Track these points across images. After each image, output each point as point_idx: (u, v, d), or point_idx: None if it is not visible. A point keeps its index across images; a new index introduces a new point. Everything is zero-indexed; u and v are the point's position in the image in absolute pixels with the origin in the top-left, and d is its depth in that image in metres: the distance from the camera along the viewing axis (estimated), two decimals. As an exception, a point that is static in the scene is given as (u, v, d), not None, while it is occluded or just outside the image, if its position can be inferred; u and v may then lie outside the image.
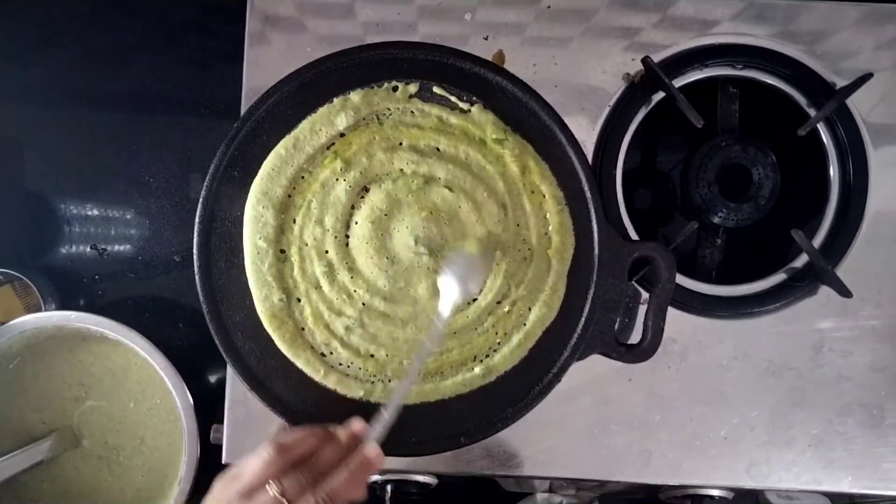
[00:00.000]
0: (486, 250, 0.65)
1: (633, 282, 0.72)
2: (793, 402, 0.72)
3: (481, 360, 0.67)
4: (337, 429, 0.59)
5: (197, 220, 0.66)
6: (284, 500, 0.52)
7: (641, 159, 0.85)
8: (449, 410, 0.66)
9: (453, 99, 0.68)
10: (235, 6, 0.76)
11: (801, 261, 0.74)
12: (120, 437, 0.81)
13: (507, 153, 0.67)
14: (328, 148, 0.67)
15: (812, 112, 0.75)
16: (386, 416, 0.58)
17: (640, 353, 0.68)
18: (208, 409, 0.76)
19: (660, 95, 0.75)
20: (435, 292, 0.66)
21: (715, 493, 0.72)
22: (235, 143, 0.67)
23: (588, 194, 0.67)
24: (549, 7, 0.76)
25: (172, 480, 0.79)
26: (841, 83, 0.74)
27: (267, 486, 0.53)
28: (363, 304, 0.67)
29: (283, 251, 0.67)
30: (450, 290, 0.63)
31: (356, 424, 0.59)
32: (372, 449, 0.57)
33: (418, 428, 0.66)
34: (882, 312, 0.73)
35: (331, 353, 0.66)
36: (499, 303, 0.67)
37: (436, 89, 0.68)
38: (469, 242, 0.66)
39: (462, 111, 0.68)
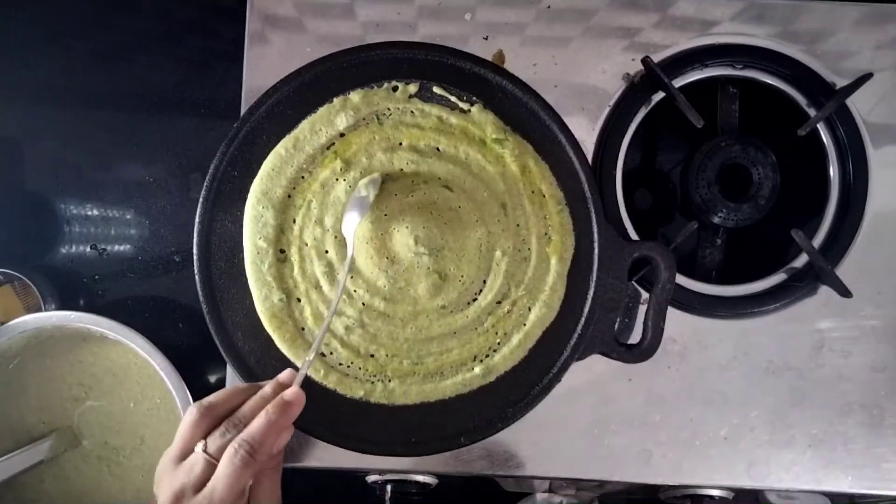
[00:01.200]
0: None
1: (633, 282, 0.72)
2: (793, 402, 0.72)
3: (481, 360, 0.67)
4: (265, 383, 0.58)
5: (197, 220, 0.66)
6: (209, 457, 0.52)
7: (641, 159, 0.85)
8: (449, 410, 0.66)
9: (453, 99, 0.68)
10: (235, 6, 0.76)
11: (801, 261, 0.74)
12: (120, 437, 0.81)
13: (507, 153, 0.67)
14: (328, 148, 0.67)
15: (812, 112, 0.75)
16: (308, 359, 0.58)
17: (640, 353, 0.68)
18: (208, 409, 0.76)
19: (660, 95, 0.75)
20: (435, 292, 0.66)
21: (715, 493, 0.72)
22: (235, 143, 0.67)
23: (588, 194, 0.68)
24: (549, 7, 0.76)
25: (172, 480, 0.79)
26: (841, 83, 0.74)
27: (195, 446, 0.53)
28: (363, 304, 0.67)
29: (283, 251, 0.67)
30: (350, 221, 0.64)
31: (283, 374, 0.59)
32: (291, 391, 0.56)
33: (418, 428, 0.66)
34: (882, 312, 0.73)
35: (331, 353, 0.66)
36: (499, 303, 0.67)
37: (436, 89, 0.68)
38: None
39: (462, 111, 0.68)
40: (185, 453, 0.53)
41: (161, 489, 0.53)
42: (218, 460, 0.52)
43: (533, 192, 0.68)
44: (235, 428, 0.54)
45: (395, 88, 0.68)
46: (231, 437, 0.53)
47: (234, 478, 0.52)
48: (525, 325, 0.67)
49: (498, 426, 0.66)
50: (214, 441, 0.53)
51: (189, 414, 0.55)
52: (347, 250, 0.64)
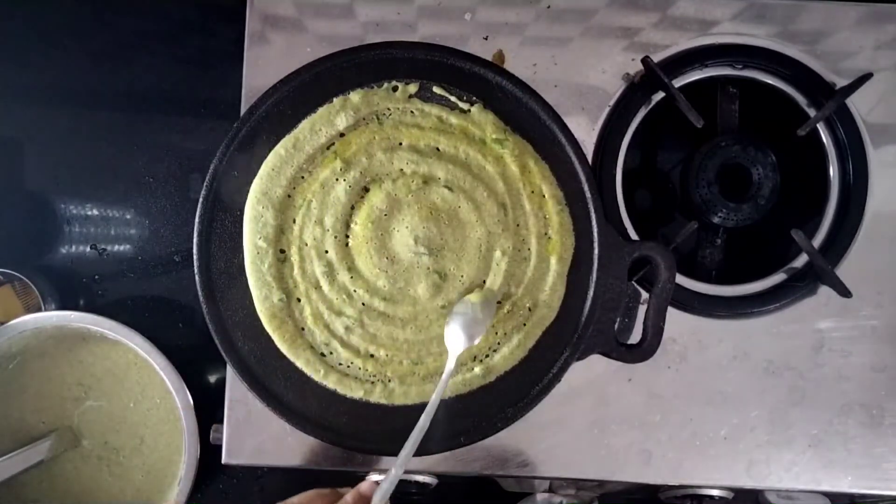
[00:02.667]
0: (487, 301, 0.66)
1: (633, 282, 0.72)
2: (793, 402, 0.72)
3: (481, 360, 0.67)
4: (346, 490, 0.59)
5: (197, 220, 0.66)
6: None
7: (641, 159, 0.85)
8: (449, 410, 0.66)
9: (453, 99, 0.68)
10: (235, 6, 0.76)
11: (801, 261, 0.74)
12: (120, 437, 0.81)
13: (507, 153, 0.67)
14: (328, 148, 0.67)
15: (812, 112, 0.75)
16: (393, 472, 0.58)
17: (640, 353, 0.68)
18: (208, 409, 0.76)
19: (660, 95, 0.75)
20: (435, 292, 0.66)
21: (715, 493, 0.72)
22: (235, 143, 0.67)
23: (588, 194, 0.67)
24: (549, 7, 0.76)
25: (172, 480, 0.79)
26: (841, 83, 0.74)
27: None
28: (363, 304, 0.67)
29: (282, 251, 0.67)
30: (455, 340, 0.64)
31: (364, 485, 0.60)
32: None
33: (418, 428, 0.66)
34: (882, 312, 0.73)
35: (331, 353, 0.66)
36: (499, 303, 0.67)
37: (436, 89, 0.68)
38: (473, 293, 0.67)
39: (462, 111, 0.68)
40: None
41: None
42: None
43: (533, 192, 0.68)
44: None
45: (395, 88, 0.68)
46: None
47: None
48: (525, 325, 0.67)
49: (498, 426, 0.66)
50: None
51: None
52: (448, 364, 0.64)
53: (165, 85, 0.88)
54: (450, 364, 0.64)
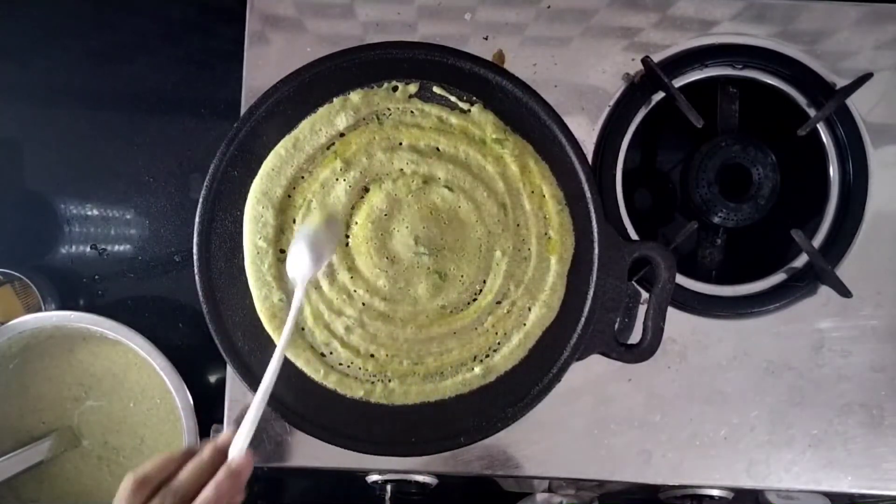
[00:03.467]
0: (332, 220, 0.65)
1: (633, 282, 0.72)
2: (793, 402, 0.72)
3: (481, 360, 0.67)
4: (200, 446, 0.56)
5: (197, 220, 0.66)
6: None
7: (641, 159, 0.85)
8: (449, 410, 0.66)
9: (453, 99, 0.68)
10: (235, 6, 0.76)
11: (801, 261, 0.74)
12: (120, 437, 0.81)
13: (507, 153, 0.67)
14: (328, 148, 0.67)
15: (812, 112, 0.75)
16: (248, 419, 0.55)
17: (640, 353, 0.68)
18: (208, 409, 0.76)
19: (660, 95, 0.75)
20: (435, 292, 0.66)
21: (715, 493, 0.72)
22: (235, 143, 0.67)
23: (588, 194, 0.67)
24: (549, 7, 0.76)
25: (172, 480, 0.79)
26: (841, 83, 0.74)
27: None
28: (363, 304, 0.67)
29: (283, 251, 0.67)
30: (300, 264, 0.62)
31: (221, 437, 0.56)
32: (236, 458, 0.54)
33: (418, 428, 0.66)
34: (882, 312, 0.73)
35: (331, 353, 0.66)
36: (499, 303, 0.67)
37: (436, 89, 0.68)
38: (312, 216, 0.65)
39: (462, 111, 0.68)
40: None
41: None
42: None
43: (533, 191, 0.68)
44: (174, 497, 0.52)
45: (395, 88, 0.68)
46: None
47: None
48: (525, 325, 0.67)
49: (498, 426, 0.66)
50: None
51: (124, 485, 0.52)
52: (296, 293, 0.62)
53: (165, 85, 0.88)
54: (298, 292, 0.61)
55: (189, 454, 0.55)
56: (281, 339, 0.60)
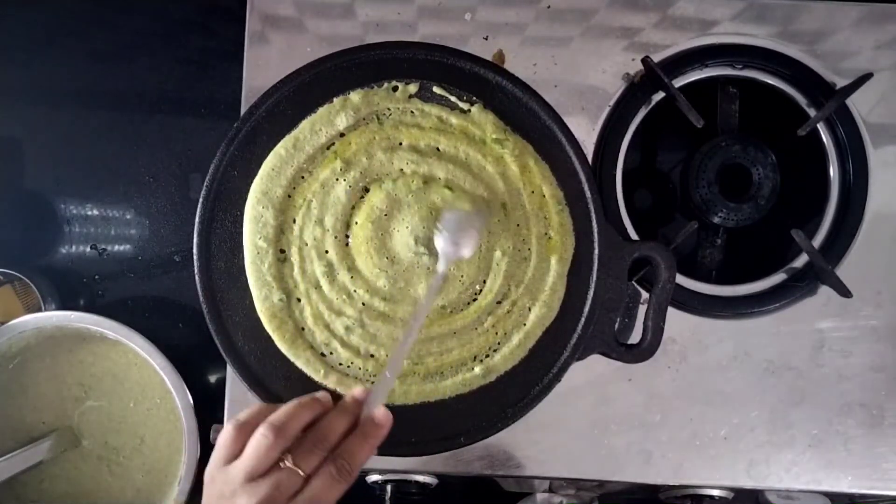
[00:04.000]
0: (479, 208, 0.66)
1: (633, 282, 0.72)
2: (793, 402, 0.72)
3: (481, 360, 0.67)
4: (341, 397, 0.59)
5: (197, 220, 0.66)
6: (300, 472, 0.52)
7: (641, 159, 0.85)
8: (449, 410, 0.66)
9: (453, 99, 0.68)
10: (235, 6, 0.76)
11: (801, 261, 0.74)
12: (120, 437, 0.81)
13: (507, 153, 0.67)
14: (328, 148, 0.67)
15: (812, 112, 0.75)
16: (388, 375, 0.58)
17: (640, 353, 0.68)
18: (208, 409, 0.76)
19: (660, 95, 0.75)
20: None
21: (715, 493, 0.72)
22: (235, 143, 0.67)
23: (588, 194, 0.67)
24: (549, 7, 0.76)
25: (172, 480, 0.79)
26: (841, 83, 0.74)
27: (280, 464, 0.52)
28: (363, 304, 0.67)
29: (283, 251, 0.67)
30: (447, 247, 0.64)
31: (357, 390, 0.59)
32: (380, 411, 0.57)
33: (418, 428, 0.66)
34: (882, 312, 0.73)
35: (331, 353, 0.66)
36: (499, 303, 0.67)
37: (436, 89, 0.68)
38: (461, 201, 0.66)
39: (462, 111, 0.68)
40: (261, 470, 0.52)
41: None
42: (310, 477, 0.52)
43: (533, 191, 0.68)
44: (323, 445, 0.54)
45: (395, 88, 0.68)
46: (322, 454, 0.53)
47: (336, 493, 0.53)
48: (525, 325, 0.67)
49: (498, 426, 0.66)
50: (305, 458, 0.52)
51: (260, 434, 0.53)
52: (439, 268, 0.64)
53: (165, 85, 0.88)
54: (441, 268, 0.64)
55: (318, 403, 0.57)
56: (426, 300, 0.61)
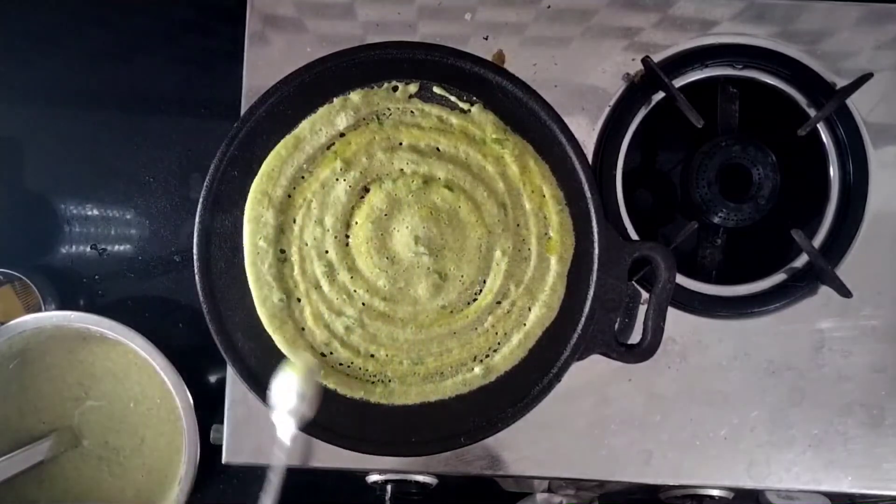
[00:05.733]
0: (311, 371, 0.63)
1: (633, 282, 0.72)
2: (793, 402, 0.72)
3: (481, 360, 0.67)
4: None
5: (197, 220, 0.66)
6: None
7: (641, 159, 0.85)
8: (449, 410, 0.66)
9: (453, 99, 0.68)
10: (235, 6, 0.76)
11: (801, 261, 0.74)
12: (120, 437, 0.81)
13: (507, 153, 0.67)
14: (328, 148, 0.67)
15: (812, 112, 0.75)
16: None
17: (640, 353, 0.68)
18: (208, 409, 0.76)
19: (660, 95, 0.75)
20: (435, 292, 0.66)
21: (715, 493, 0.72)
22: (235, 143, 0.67)
23: (588, 194, 0.67)
24: (549, 7, 0.76)
25: (172, 480, 0.79)
26: (841, 83, 0.74)
27: None
28: (363, 304, 0.67)
29: (283, 251, 0.67)
30: (284, 425, 0.61)
31: None
32: None
33: (418, 428, 0.66)
34: (882, 312, 0.73)
35: (331, 353, 0.66)
36: (499, 303, 0.67)
37: (436, 89, 0.68)
38: (289, 366, 0.63)
39: (462, 111, 0.68)
40: None
41: None
42: None
43: (533, 192, 0.68)
44: None
45: (395, 88, 0.68)
46: None
47: None
48: (525, 325, 0.67)
49: (498, 426, 0.66)
50: None
51: None
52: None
53: (165, 85, 0.89)
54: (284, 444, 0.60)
55: None
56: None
